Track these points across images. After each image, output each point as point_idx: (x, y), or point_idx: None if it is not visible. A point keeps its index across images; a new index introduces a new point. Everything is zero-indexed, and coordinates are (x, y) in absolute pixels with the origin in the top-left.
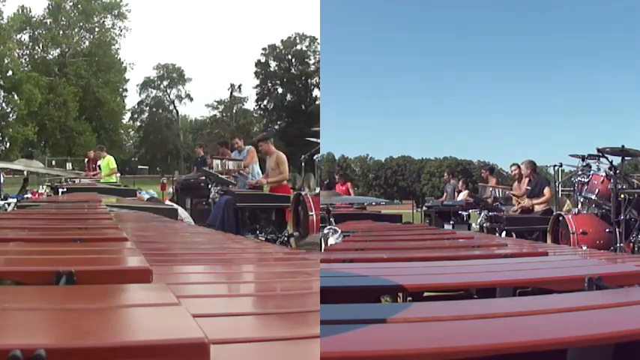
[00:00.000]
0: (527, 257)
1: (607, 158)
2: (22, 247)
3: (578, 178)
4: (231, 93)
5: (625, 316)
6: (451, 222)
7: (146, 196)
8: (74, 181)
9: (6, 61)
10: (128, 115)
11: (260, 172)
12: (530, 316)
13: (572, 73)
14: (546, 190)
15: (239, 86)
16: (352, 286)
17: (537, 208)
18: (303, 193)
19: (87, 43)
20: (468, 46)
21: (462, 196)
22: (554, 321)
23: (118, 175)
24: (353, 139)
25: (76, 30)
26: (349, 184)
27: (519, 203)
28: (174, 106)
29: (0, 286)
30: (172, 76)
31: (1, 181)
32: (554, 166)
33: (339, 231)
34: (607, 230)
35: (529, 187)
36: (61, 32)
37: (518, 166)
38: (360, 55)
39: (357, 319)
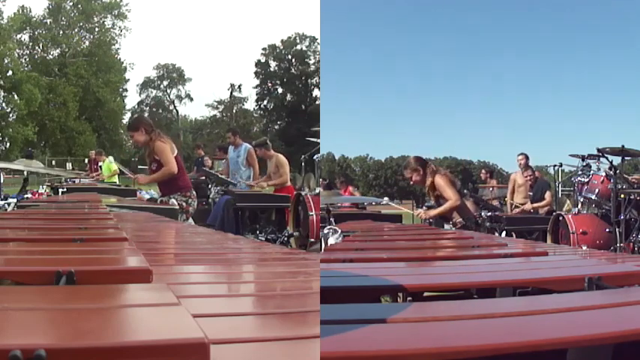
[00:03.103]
0: (527, 257)
1: (607, 158)
2: (22, 247)
3: (578, 178)
4: (231, 93)
5: (625, 316)
6: (451, 222)
7: (146, 196)
8: (74, 181)
9: (6, 61)
10: (128, 115)
11: (251, 176)
12: (530, 316)
13: (573, 73)
14: (547, 195)
15: (239, 86)
16: (352, 286)
17: (538, 212)
18: (303, 193)
19: (87, 43)
20: (468, 45)
21: None
22: (554, 321)
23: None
24: (353, 139)
25: (76, 30)
26: (351, 187)
27: (512, 205)
28: (175, 106)
29: (0, 286)
30: (172, 76)
31: (1, 181)
32: (554, 166)
33: (339, 231)
34: (607, 230)
35: (530, 193)
36: (61, 32)
37: (526, 156)
38: (360, 55)
39: (357, 319)
